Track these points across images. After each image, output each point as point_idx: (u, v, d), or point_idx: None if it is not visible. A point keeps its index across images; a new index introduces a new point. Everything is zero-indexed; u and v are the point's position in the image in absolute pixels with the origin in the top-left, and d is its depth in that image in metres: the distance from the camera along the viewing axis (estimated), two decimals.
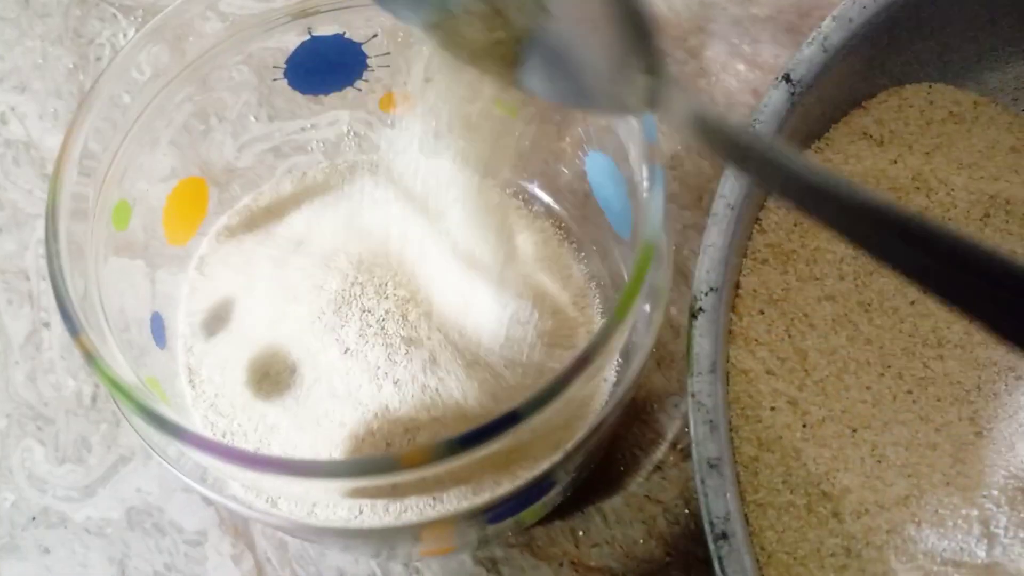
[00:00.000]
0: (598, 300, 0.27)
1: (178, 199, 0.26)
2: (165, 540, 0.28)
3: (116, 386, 0.18)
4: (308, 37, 0.25)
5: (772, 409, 0.26)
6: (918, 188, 0.30)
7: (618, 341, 0.19)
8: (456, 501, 0.22)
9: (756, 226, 0.28)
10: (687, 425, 0.29)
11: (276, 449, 0.24)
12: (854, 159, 0.30)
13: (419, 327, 0.24)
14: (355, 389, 0.24)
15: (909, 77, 0.31)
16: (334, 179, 0.29)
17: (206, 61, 0.25)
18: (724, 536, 0.21)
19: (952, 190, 0.30)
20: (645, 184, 0.22)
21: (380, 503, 0.22)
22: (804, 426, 0.26)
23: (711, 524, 0.21)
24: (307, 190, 0.29)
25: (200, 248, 0.28)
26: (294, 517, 0.22)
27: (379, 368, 0.24)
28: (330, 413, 0.24)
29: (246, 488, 0.22)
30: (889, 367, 0.28)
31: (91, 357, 0.18)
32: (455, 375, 0.24)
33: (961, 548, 0.26)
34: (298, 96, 0.28)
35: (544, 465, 0.20)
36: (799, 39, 0.36)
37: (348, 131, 0.31)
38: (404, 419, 0.23)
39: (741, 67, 0.35)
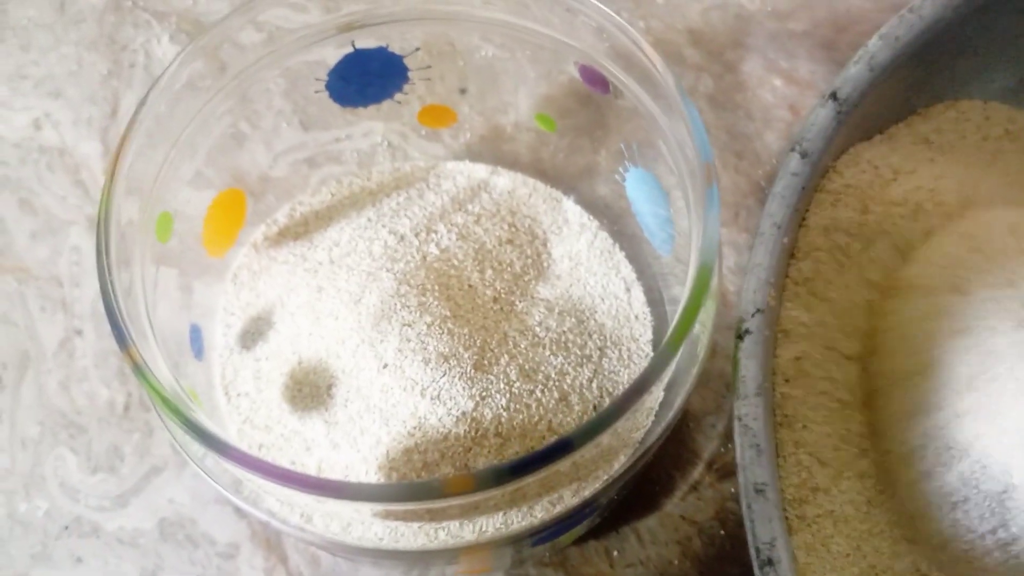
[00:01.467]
0: (637, 315, 0.27)
1: (217, 210, 0.26)
2: (198, 552, 0.28)
3: (163, 400, 0.18)
4: (351, 50, 0.25)
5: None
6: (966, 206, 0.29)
7: (670, 369, 0.18)
8: (497, 525, 0.22)
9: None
10: (724, 445, 0.29)
11: (311, 465, 0.24)
12: (907, 172, 0.29)
13: (460, 344, 0.24)
14: (393, 406, 0.24)
15: (951, 96, 0.31)
16: (371, 190, 0.29)
17: (247, 76, 0.25)
18: (770, 562, 0.20)
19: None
20: (692, 204, 0.21)
21: (417, 525, 0.22)
22: None
23: (756, 550, 0.21)
24: (344, 201, 0.29)
25: (237, 259, 0.28)
26: (329, 535, 0.22)
27: (418, 385, 0.24)
28: (367, 431, 0.24)
29: (282, 503, 0.21)
30: None
31: (139, 370, 0.18)
32: (496, 395, 0.23)
33: None
34: (332, 107, 0.28)
35: (591, 489, 0.20)
36: (836, 55, 0.35)
37: (382, 142, 0.31)
38: (442, 439, 0.23)
39: (778, 82, 0.35)
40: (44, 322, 0.32)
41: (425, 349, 0.24)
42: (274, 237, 0.28)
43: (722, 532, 0.28)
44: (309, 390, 0.25)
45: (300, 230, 0.28)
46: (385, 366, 0.24)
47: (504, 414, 0.24)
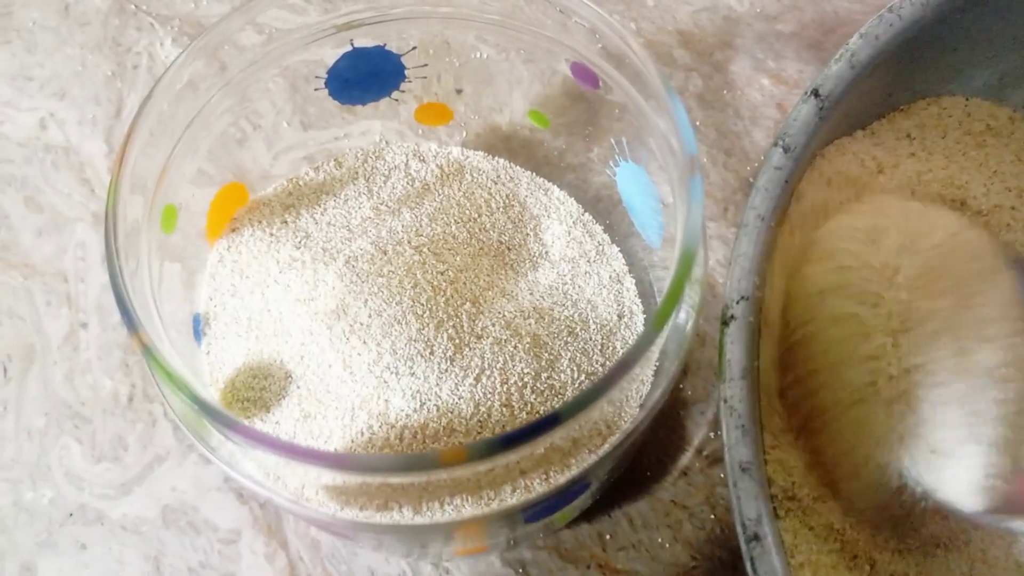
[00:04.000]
0: (628, 306, 0.27)
1: (221, 204, 0.27)
2: (200, 538, 0.29)
3: (171, 377, 0.19)
4: (350, 48, 0.26)
5: None
6: (953, 201, 0.30)
7: (656, 348, 0.19)
8: (491, 500, 0.22)
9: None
10: (713, 432, 0.30)
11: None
12: (891, 167, 0.30)
13: (431, 332, 0.24)
14: (358, 396, 0.24)
15: (932, 93, 0.32)
16: (342, 177, 0.29)
17: (247, 75, 0.26)
18: (756, 538, 0.21)
19: (985, 206, 0.30)
20: (678, 194, 0.22)
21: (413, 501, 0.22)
22: None
23: (743, 526, 0.21)
24: (315, 187, 0.29)
25: (216, 250, 0.28)
26: (328, 510, 0.22)
27: (387, 373, 0.24)
28: (330, 419, 0.24)
29: (277, 479, 0.22)
30: None
31: (148, 351, 0.19)
32: (468, 381, 0.24)
33: None
34: (331, 106, 0.29)
35: (581, 467, 0.21)
36: (823, 55, 0.36)
37: (380, 140, 0.32)
38: (413, 426, 0.23)
39: (766, 81, 0.36)
40: (49, 316, 0.32)
41: (393, 337, 0.24)
42: (244, 225, 0.28)
43: (712, 516, 0.28)
44: (274, 382, 0.25)
45: (268, 218, 0.28)
46: (352, 356, 0.24)
47: (493, 401, 0.24)
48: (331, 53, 0.27)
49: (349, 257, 0.26)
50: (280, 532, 0.29)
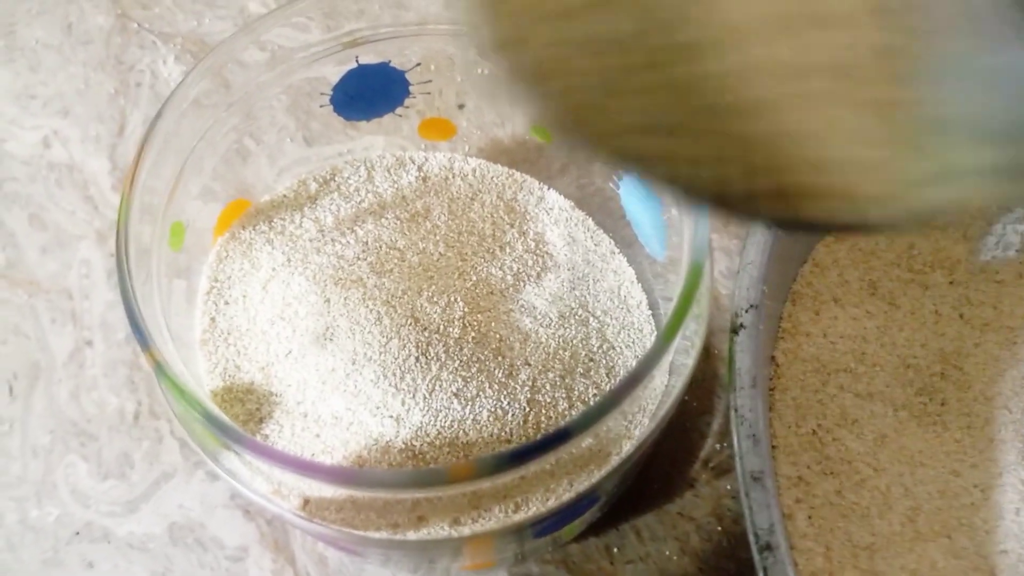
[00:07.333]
0: (637, 317, 0.27)
1: (227, 220, 0.27)
2: (207, 555, 0.29)
3: (182, 393, 0.19)
4: (355, 65, 0.26)
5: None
6: None
7: (665, 362, 0.19)
8: (499, 515, 0.22)
9: None
10: (719, 443, 0.30)
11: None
12: None
13: (426, 350, 0.24)
14: (348, 419, 0.24)
15: None
16: (329, 187, 0.29)
17: (251, 93, 0.26)
18: (768, 547, 0.21)
19: None
20: (680, 205, 0.22)
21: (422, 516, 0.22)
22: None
23: (755, 536, 0.21)
24: (307, 201, 0.29)
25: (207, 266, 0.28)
26: (336, 525, 0.22)
27: (377, 394, 0.24)
28: (321, 441, 0.24)
29: (286, 495, 0.22)
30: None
31: (160, 368, 0.19)
32: (460, 402, 0.24)
33: None
34: (334, 122, 0.29)
35: (590, 481, 0.21)
36: None
37: (384, 155, 0.32)
38: (405, 449, 0.23)
39: None
40: (54, 334, 0.32)
41: (385, 354, 0.24)
42: (234, 238, 0.28)
43: (719, 528, 0.28)
44: (261, 404, 0.25)
45: (260, 232, 0.28)
46: (344, 375, 0.24)
47: (499, 417, 0.24)
48: (334, 70, 0.27)
49: (339, 269, 0.26)
50: (287, 548, 0.28)
